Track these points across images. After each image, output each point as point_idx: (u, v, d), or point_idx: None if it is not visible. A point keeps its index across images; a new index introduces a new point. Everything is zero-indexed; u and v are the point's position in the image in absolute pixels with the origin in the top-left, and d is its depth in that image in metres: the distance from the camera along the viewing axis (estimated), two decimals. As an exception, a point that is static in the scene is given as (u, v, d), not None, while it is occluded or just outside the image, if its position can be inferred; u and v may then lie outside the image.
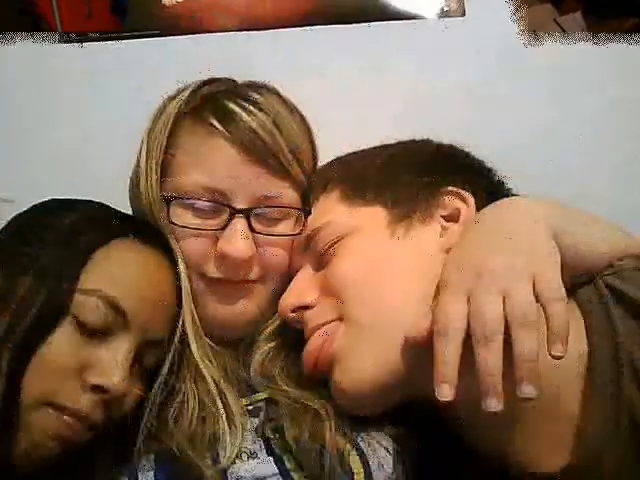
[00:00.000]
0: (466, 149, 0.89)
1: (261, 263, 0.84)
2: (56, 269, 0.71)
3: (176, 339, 0.78)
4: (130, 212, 0.86)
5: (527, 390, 0.61)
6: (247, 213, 0.81)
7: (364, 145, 0.91)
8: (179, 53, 1.11)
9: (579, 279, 0.74)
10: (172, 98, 0.87)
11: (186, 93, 0.85)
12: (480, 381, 0.62)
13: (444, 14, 1.12)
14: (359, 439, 0.76)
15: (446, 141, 0.89)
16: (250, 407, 0.80)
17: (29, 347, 0.68)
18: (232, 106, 0.83)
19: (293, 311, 0.82)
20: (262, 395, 0.81)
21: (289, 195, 0.84)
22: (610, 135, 1.10)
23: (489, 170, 0.88)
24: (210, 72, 0.89)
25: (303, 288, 0.82)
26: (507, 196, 0.84)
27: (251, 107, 0.83)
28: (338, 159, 0.91)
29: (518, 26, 1.11)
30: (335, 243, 0.80)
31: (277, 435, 0.76)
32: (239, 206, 0.81)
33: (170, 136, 0.84)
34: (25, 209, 0.80)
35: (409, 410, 0.78)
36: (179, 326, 0.78)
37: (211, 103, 0.84)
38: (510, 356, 0.62)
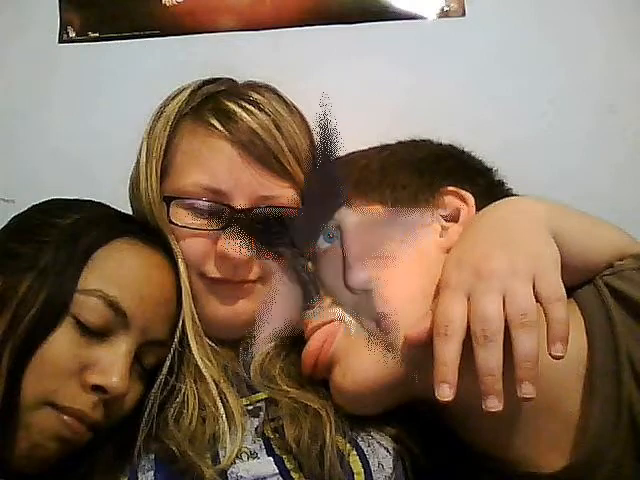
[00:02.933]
0: (466, 149, 0.89)
1: (261, 263, 0.84)
2: (56, 269, 0.71)
3: (176, 339, 0.78)
4: (130, 212, 0.86)
5: (527, 390, 0.61)
6: (247, 213, 0.81)
7: (364, 145, 0.91)
8: (179, 53, 1.12)
9: (579, 279, 0.74)
10: (172, 98, 0.86)
11: (186, 93, 0.85)
12: (480, 381, 0.62)
13: (444, 14, 1.12)
14: (359, 439, 0.76)
15: (446, 141, 0.89)
16: (250, 407, 0.80)
17: (29, 347, 0.68)
18: (232, 106, 0.83)
19: (293, 311, 0.82)
20: (262, 395, 0.80)
21: (289, 195, 0.84)
22: (610, 135, 1.10)
23: (489, 170, 0.88)
24: (210, 72, 0.89)
25: (303, 288, 0.82)
26: (507, 196, 0.84)
27: (251, 107, 0.83)
28: (338, 159, 0.91)
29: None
30: (335, 243, 0.80)
31: (277, 435, 0.76)
32: (239, 206, 0.81)
33: (170, 136, 0.84)
34: (25, 209, 0.80)
35: (409, 410, 0.78)
36: (179, 326, 0.78)
37: (211, 103, 0.84)
38: (510, 356, 0.62)
